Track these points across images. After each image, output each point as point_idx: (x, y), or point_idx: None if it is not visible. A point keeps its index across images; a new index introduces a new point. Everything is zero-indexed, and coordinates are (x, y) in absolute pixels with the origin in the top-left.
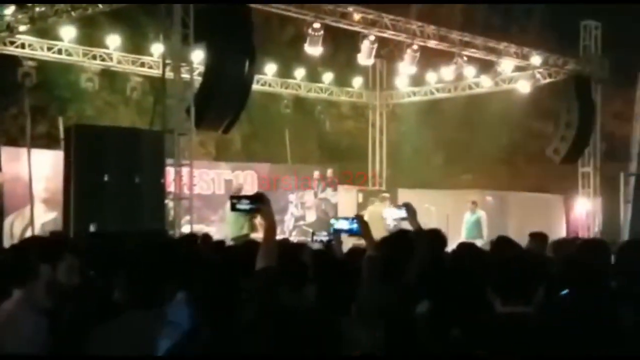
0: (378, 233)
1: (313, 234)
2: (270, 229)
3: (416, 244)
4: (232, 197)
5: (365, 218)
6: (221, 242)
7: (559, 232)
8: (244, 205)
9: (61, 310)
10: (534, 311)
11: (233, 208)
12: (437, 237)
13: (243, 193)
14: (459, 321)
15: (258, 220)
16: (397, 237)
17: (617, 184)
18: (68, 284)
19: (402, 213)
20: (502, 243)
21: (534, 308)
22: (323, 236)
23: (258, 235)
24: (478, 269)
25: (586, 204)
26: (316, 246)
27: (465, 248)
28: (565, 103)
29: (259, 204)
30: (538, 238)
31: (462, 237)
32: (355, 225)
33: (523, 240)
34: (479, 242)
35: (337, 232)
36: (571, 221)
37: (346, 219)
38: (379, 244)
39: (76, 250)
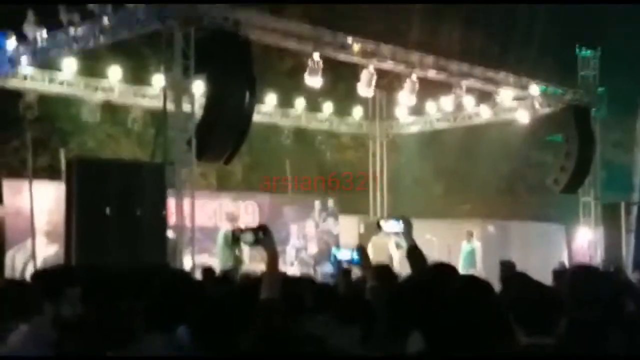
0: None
1: (315, 265)
2: (273, 260)
3: (410, 264)
4: (234, 231)
5: (369, 248)
6: (228, 275)
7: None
8: (247, 237)
9: (66, 340)
10: (556, 342)
11: (236, 240)
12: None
13: (241, 223)
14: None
15: (247, 253)
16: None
17: (618, 213)
18: (72, 315)
19: (399, 226)
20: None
21: (557, 339)
22: (328, 268)
23: (247, 268)
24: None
25: (587, 234)
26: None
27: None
28: (565, 133)
29: (262, 235)
30: (507, 266)
31: (460, 268)
32: (356, 256)
33: (524, 271)
34: (472, 272)
35: (338, 262)
36: (573, 251)
37: (348, 248)
38: (379, 277)
39: (77, 282)
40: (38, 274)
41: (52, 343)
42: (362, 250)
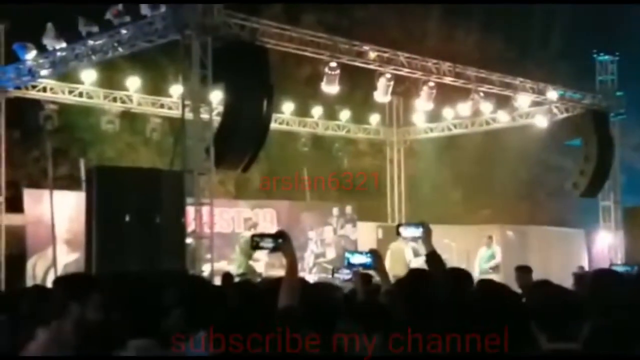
0: (400, 269)
1: (333, 271)
2: (292, 267)
3: (430, 269)
4: (253, 236)
5: (388, 254)
6: (246, 281)
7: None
8: (267, 243)
9: (88, 345)
10: (580, 348)
11: (256, 246)
12: (463, 276)
13: (260, 230)
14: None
15: (264, 259)
16: (416, 275)
17: (639, 217)
18: (95, 320)
19: (418, 232)
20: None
21: (580, 344)
22: (345, 274)
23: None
24: (500, 306)
25: (607, 238)
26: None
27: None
28: (584, 137)
29: (281, 241)
30: (524, 271)
31: (476, 272)
32: (369, 260)
33: (545, 276)
34: (491, 275)
35: (352, 266)
36: (593, 255)
37: (361, 253)
38: (399, 282)
39: (102, 288)
40: (60, 280)
41: (73, 348)
42: (375, 253)
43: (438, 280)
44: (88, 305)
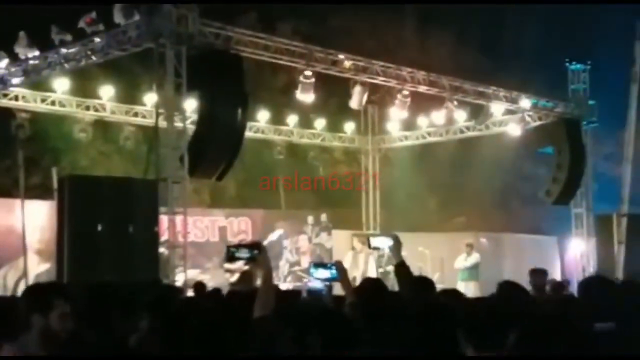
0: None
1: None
2: (267, 277)
3: (397, 280)
4: (229, 247)
5: (347, 261)
6: (217, 290)
7: (554, 273)
8: (242, 254)
9: (55, 356)
10: (506, 356)
11: (231, 257)
12: (427, 286)
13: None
14: None
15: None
16: (371, 284)
17: (611, 225)
18: (62, 331)
19: (390, 242)
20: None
21: (506, 353)
22: (319, 283)
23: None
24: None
25: (580, 245)
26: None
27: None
28: (556, 145)
29: (257, 252)
30: (539, 273)
31: (458, 280)
32: (334, 273)
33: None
34: (471, 285)
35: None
36: (566, 262)
37: (324, 266)
38: (356, 292)
39: (68, 298)
40: (28, 290)
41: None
42: (339, 266)
43: (402, 290)
44: (51, 315)
